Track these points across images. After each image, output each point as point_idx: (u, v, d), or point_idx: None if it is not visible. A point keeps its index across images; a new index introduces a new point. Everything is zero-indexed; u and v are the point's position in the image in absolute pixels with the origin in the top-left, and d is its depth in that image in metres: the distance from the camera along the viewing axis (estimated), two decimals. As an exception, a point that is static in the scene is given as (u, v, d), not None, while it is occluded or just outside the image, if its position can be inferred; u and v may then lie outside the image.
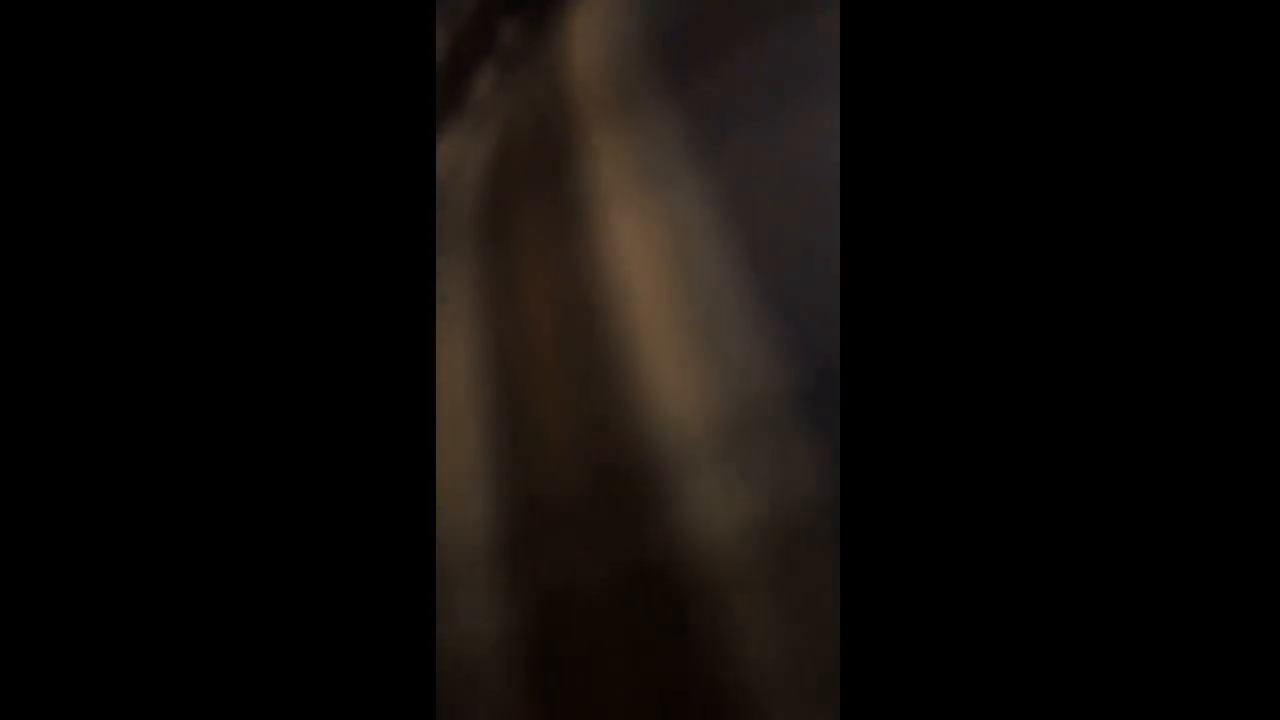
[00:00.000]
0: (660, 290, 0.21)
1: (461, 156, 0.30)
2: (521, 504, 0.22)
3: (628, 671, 0.20)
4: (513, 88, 0.30)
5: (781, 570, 0.19)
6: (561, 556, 0.21)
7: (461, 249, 0.26)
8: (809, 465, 0.19)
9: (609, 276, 0.22)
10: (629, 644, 0.20)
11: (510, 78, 0.33)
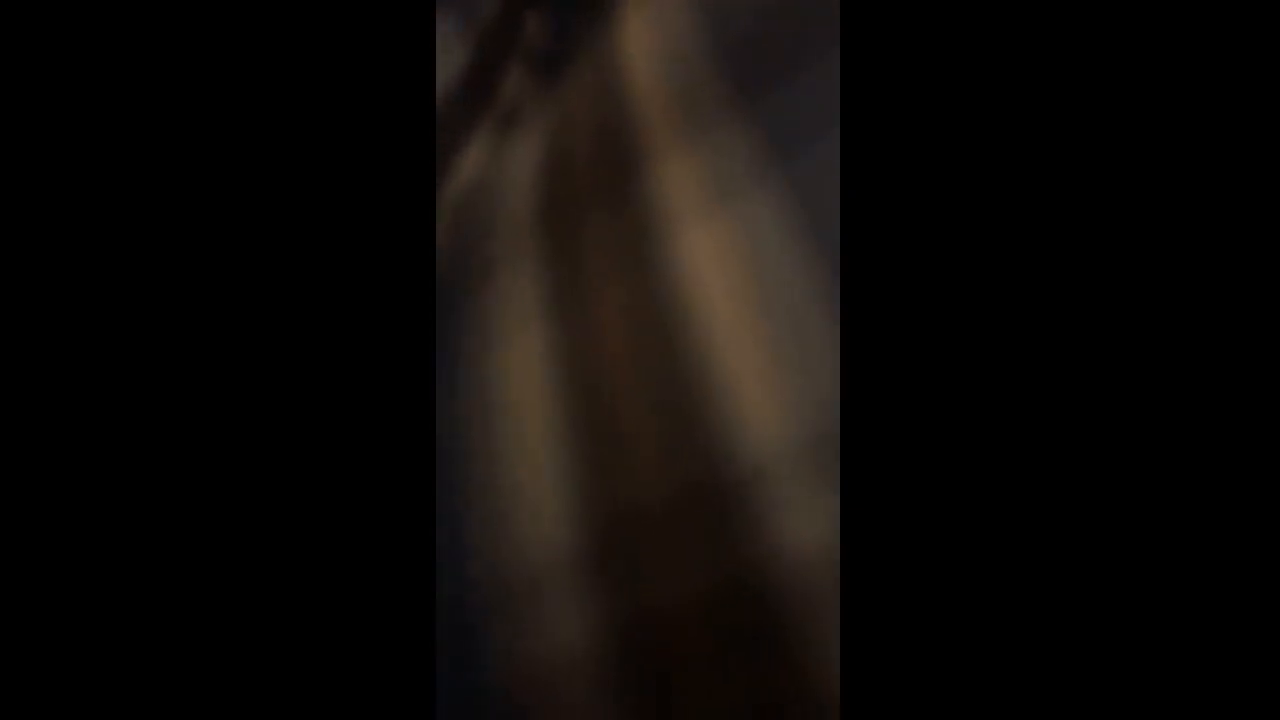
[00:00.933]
0: (736, 304, 0.21)
1: (499, 158, 0.30)
2: (605, 516, 0.22)
3: (715, 684, 0.20)
4: (557, 91, 0.30)
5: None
6: (647, 568, 0.21)
7: (520, 255, 0.26)
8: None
9: (684, 290, 0.22)
10: (715, 656, 0.20)
11: (550, 79, 0.33)
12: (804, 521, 0.20)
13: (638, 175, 0.24)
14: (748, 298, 0.21)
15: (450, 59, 0.37)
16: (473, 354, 0.25)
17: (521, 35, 0.38)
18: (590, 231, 0.25)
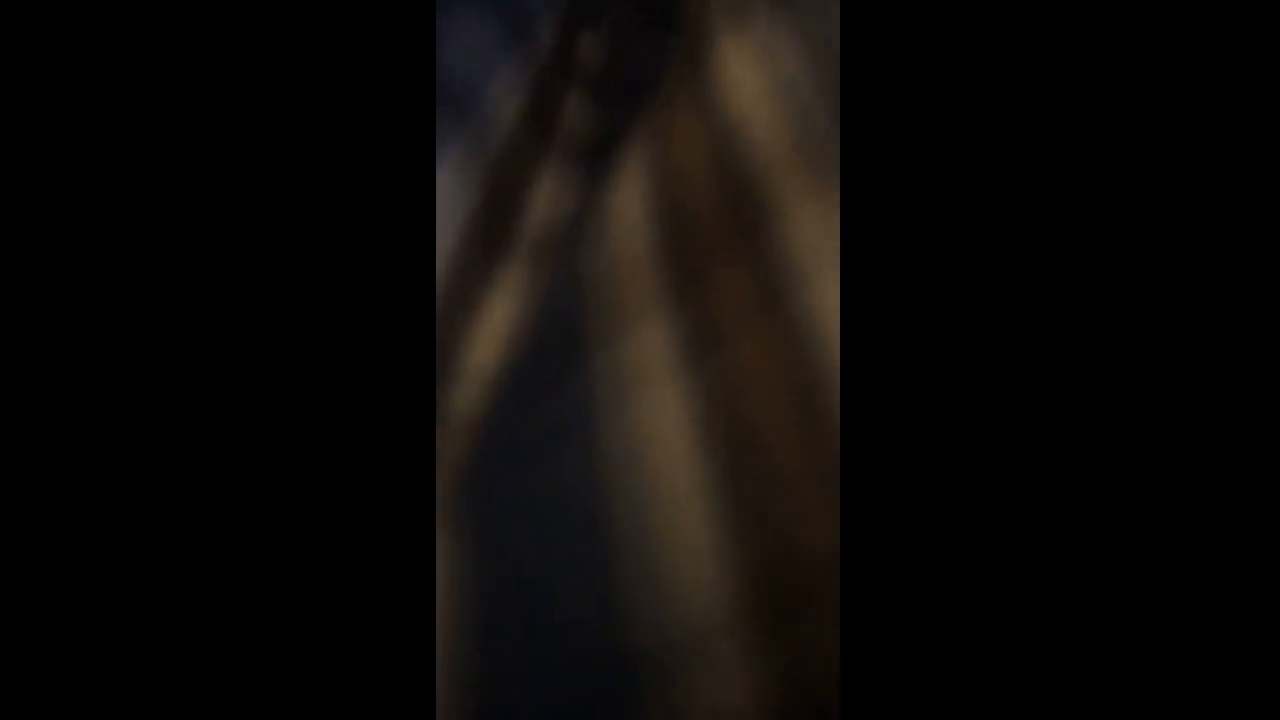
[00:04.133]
0: None
1: (592, 200, 0.30)
2: (766, 566, 0.21)
3: None
4: (649, 128, 0.30)
5: None
6: (812, 619, 0.21)
7: (647, 306, 0.26)
8: None
9: (827, 344, 0.22)
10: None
11: (622, 109, 0.32)
12: None
13: (769, 225, 0.25)
14: None
15: (509, 90, 0.37)
16: (609, 407, 0.25)
17: (577, 60, 0.37)
18: (722, 281, 0.25)
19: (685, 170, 0.27)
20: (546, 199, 0.33)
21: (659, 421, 0.24)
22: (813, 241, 0.24)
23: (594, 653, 0.22)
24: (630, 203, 0.28)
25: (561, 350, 0.27)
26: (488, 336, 0.30)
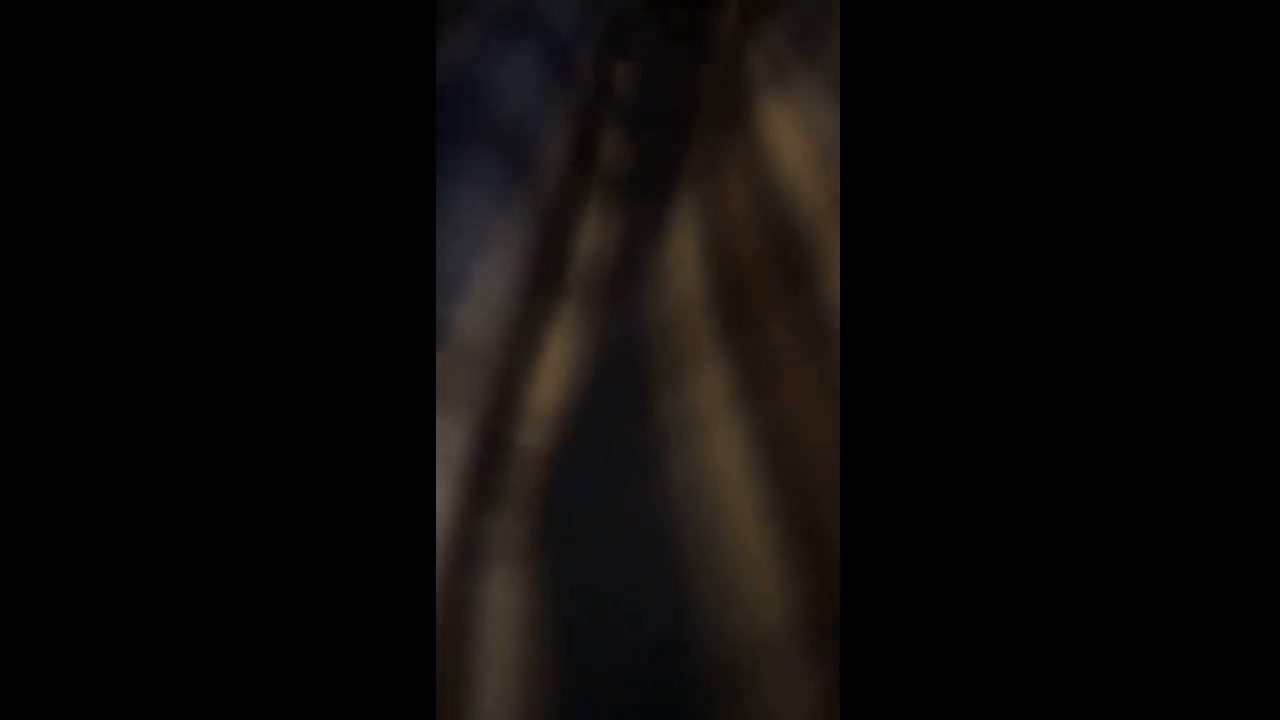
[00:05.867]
0: None
1: (643, 240, 0.31)
2: (817, 592, 0.22)
3: None
4: (696, 175, 0.31)
5: None
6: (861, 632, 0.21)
7: (704, 345, 0.27)
8: None
9: None
10: None
11: (662, 145, 0.33)
12: None
13: (817, 273, 0.25)
14: None
15: (558, 129, 0.37)
16: (676, 442, 0.26)
17: (615, 91, 0.38)
18: (776, 324, 0.25)
19: (735, 218, 0.28)
20: (596, 237, 0.34)
21: (722, 455, 0.25)
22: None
23: (670, 667, 0.23)
24: (685, 247, 0.29)
25: (627, 388, 0.28)
26: (551, 374, 0.31)
